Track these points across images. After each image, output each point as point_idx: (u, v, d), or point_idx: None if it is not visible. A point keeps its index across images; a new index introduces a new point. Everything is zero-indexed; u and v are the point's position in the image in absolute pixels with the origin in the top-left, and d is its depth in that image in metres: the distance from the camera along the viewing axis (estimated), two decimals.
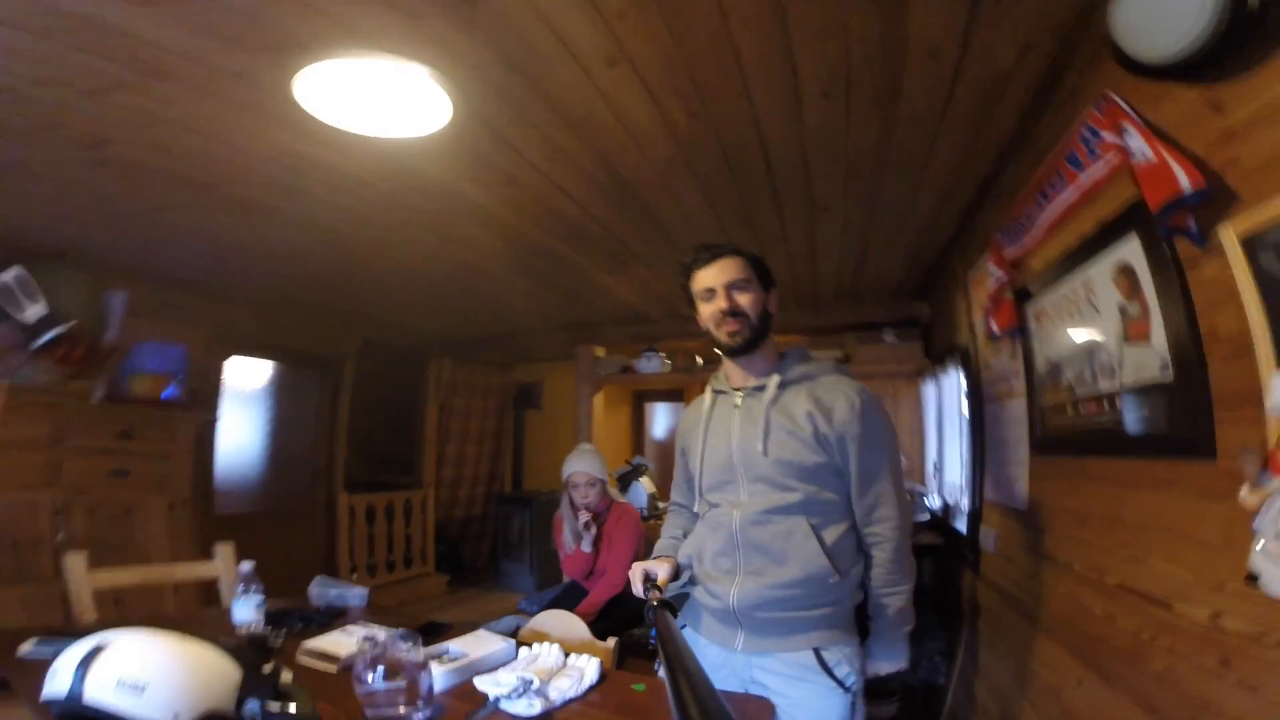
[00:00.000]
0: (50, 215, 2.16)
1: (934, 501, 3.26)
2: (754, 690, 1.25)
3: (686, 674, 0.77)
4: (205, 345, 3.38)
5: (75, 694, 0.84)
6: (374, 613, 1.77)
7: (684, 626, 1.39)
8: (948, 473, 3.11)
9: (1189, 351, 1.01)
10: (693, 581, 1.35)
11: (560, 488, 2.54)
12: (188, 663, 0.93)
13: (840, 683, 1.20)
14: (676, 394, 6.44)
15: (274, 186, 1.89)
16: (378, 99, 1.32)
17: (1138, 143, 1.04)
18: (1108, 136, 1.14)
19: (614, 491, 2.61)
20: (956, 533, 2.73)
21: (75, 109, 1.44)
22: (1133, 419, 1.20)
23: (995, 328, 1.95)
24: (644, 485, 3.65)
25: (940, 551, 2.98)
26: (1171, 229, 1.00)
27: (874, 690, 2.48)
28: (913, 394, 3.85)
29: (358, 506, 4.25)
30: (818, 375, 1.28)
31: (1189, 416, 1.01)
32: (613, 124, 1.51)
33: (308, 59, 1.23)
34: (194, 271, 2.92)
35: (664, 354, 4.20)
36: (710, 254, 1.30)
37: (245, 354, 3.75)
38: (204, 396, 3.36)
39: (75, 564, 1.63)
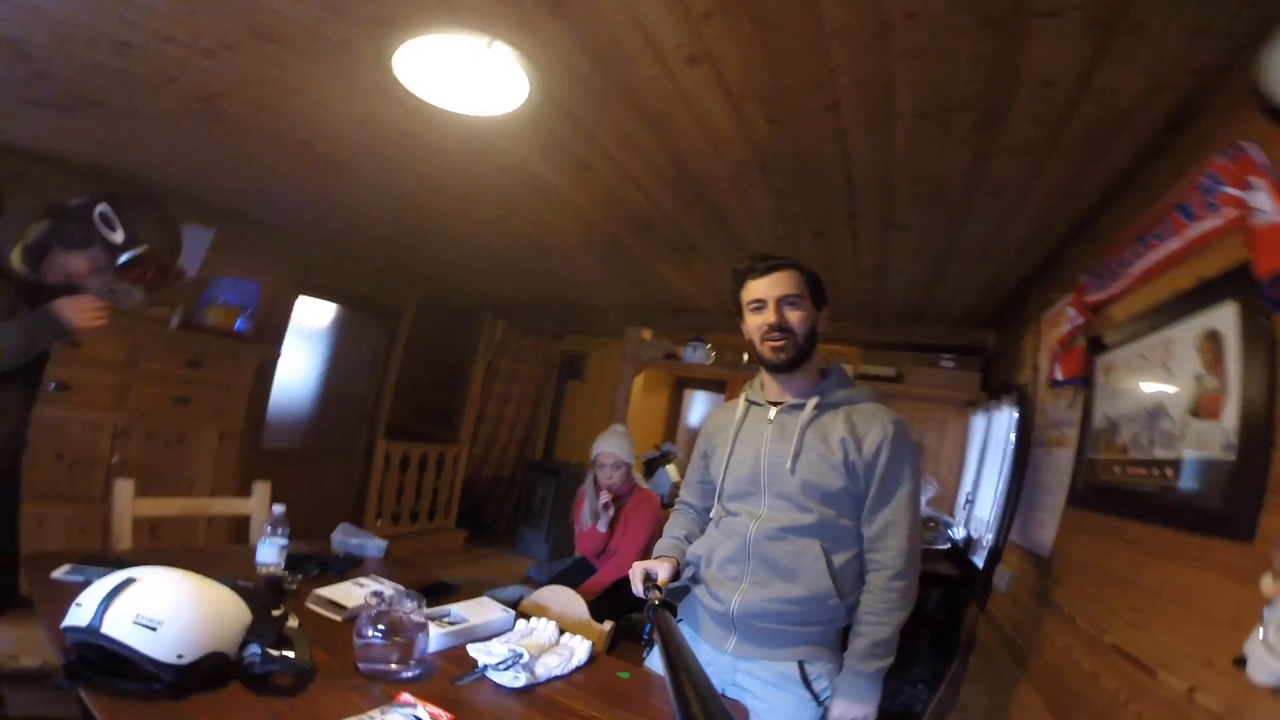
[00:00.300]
0: (155, 157, 2.33)
1: (958, 533, 3.19)
2: (733, 691, 1.29)
3: (689, 674, 0.78)
4: (278, 284, 3.56)
5: (95, 625, 0.88)
6: (389, 566, 1.85)
7: (680, 620, 1.41)
8: (978, 507, 3.03)
9: (1258, 434, 0.96)
10: (695, 580, 1.37)
11: (589, 464, 2.60)
12: (203, 605, 0.97)
13: (815, 696, 1.23)
14: (719, 384, 6.41)
15: (360, 149, 1.97)
16: (464, 76, 1.34)
17: (1264, 200, 0.96)
18: (1230, 189, 1.04)
19: (638, 476, 2.64)
20: (972, 566, 2.72)
21: (192, 65, 1.54)
22: (1181, 490, 1.15)
23: (1059, 373, 1.87)
24: (670, 473, 3.68)
25: (951, 582, 2.96)
26: (1276, 302, 0.93)
27: None
28: (960, 423, 3.73)
29: (394, 454, 4.40)
30: (857, 401, 1.28)
31: (1239, 496, 0.97)
32: (689, 122, 1.50)
33: (406, 34, 1.26)
34: (276, 216, 3.08)
35: (710, 346, 4.19)
36: (767, 265, 1.27)
37: (314, 295, 3.93)
38: (271, 332, 3.56)
39: (123, 491, 1.72)
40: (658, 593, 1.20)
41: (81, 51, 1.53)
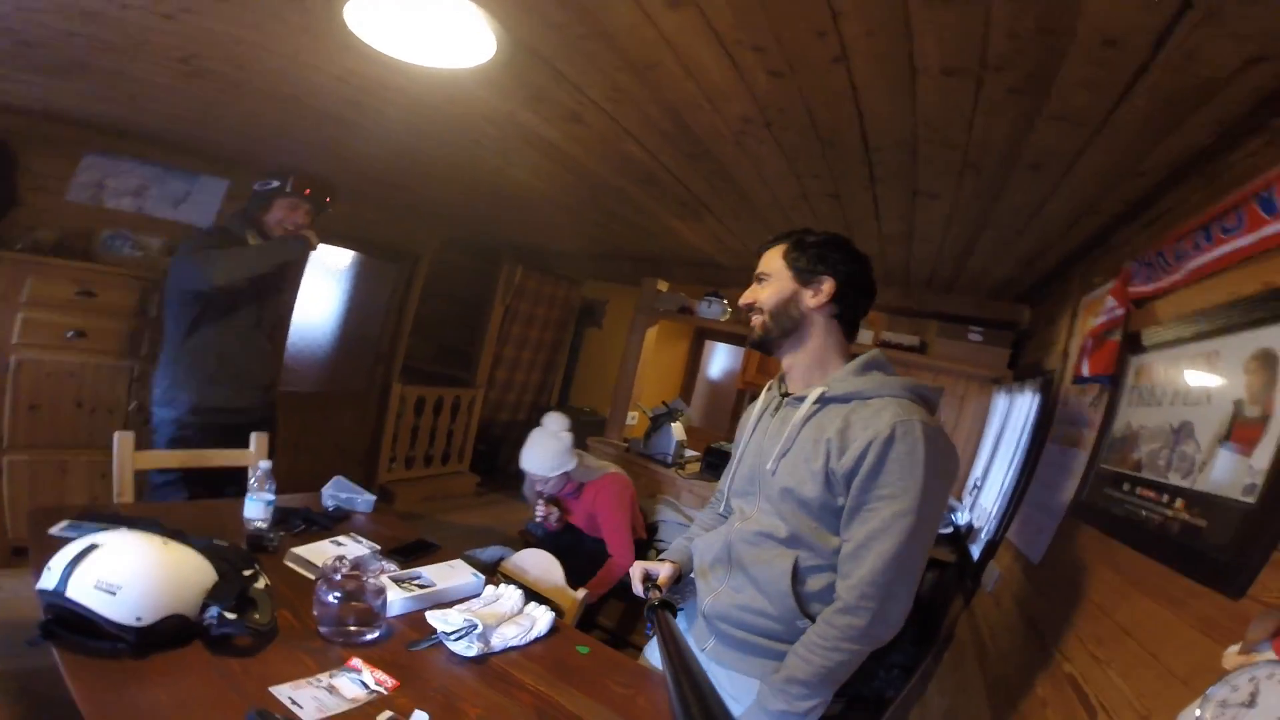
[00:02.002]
0: (159, 114, 2.33)
1: (962, 518, 3.09)
2: None
3: (689, 674, 0.76)
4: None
5: (59, 590, 0.93)
6: (377, 521, 1.86)
7: (681, 609, 1.37)
8: (984, 495, 2.91)
9: None
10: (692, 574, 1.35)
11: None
12: (162, 569, 1.01)
13: None
14: (739, 337, 6.27)
15: (348, 103, 1.88)
16: (424, 28, 1.22)
17: None
18: None
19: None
20: (969, 555, 2.63)
21: (156, 28, 1.50)
22: (1186, 524, 1.03)
23: (1086, 369, 1.71)
24: (675, 431, 3.61)
25: (948, 569, 2.89)
26: None
27: None
28: (983, 401, 3.55)
29: (409, 397, 4.43)
30: (871, 396, 1.08)
31: (1245, 546, 0.86)
32: (679, 73, 1.32)
33: None
34: (283, 166, 3.00)
35: (726, 300, 4.03)
36: (762, 246, 1.24)
37: (330, 243, 3.84)
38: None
39: (123, 445, 1.73)
40: (658, 592, 1.19)
41: (53, 20, 1.52)
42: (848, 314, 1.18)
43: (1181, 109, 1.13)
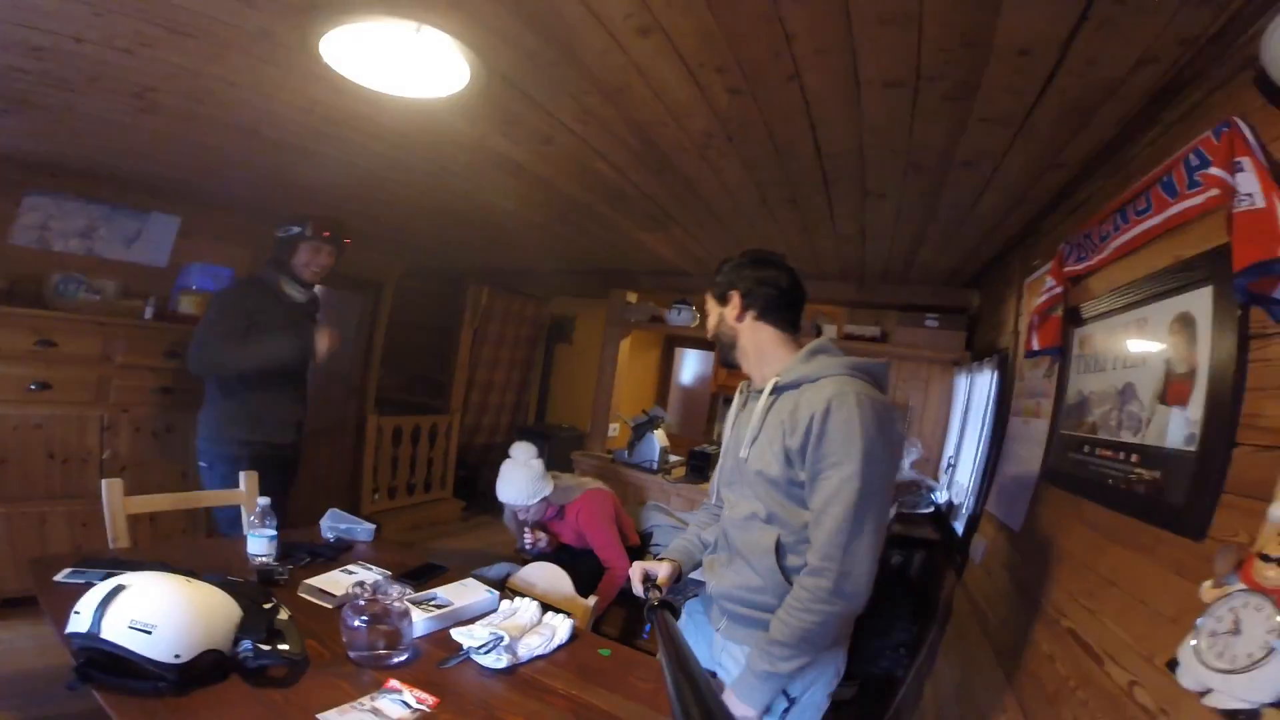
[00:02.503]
0: (106, 150, 2.27)
1: (941, 496, 3.23)
2: (719, 671, 1.30)
3: (688, 675, 0.78)
4: (253, 267, 3.46)
5: (94, 632, 0.94)
6: (379, 549, 1.89)
7: (695, 596, 1.46)
8: (959, 472, 3.06)
9: (1221, 431, 0.94)
10: (695, 568, 1.42)
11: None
12: (192, 606, 1.02)
13: (784, 690, 1.17)
14: (709, 344, 6.37)
15: (313, 133, 1.89)
16: (400, 60, 1.27)
17: (1249, 183, 0.90)
18: (1215, 170, 0.99)
19: (567, 483, 2.48)
20: (953, 532, 2.73)
21: (113, 64, 1.48)
22: (1142, 478, 1.14)
23: (1035, 343, 1.84)
24: (658, 438, 3.69)
25: (934, 547, 2.99)
26: (1251, 295, 0.89)
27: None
28: (946, 383, 3.73)
29: (385, 428, 4.40)
30: (817, 377, 1.17)
31: (1194, 493, 0.97)
32: (647, 94, 1.42)
33: (330, 21, 1.18)
34: (243, 200, 3.00)
35: (694, 307, 4.13)
36: None
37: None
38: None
39: (113, 491, 1.71)
40: (658, 593, 1.21)
41: None
42: (769, 311, 1.28)
43: (1087, 107, 1.29)
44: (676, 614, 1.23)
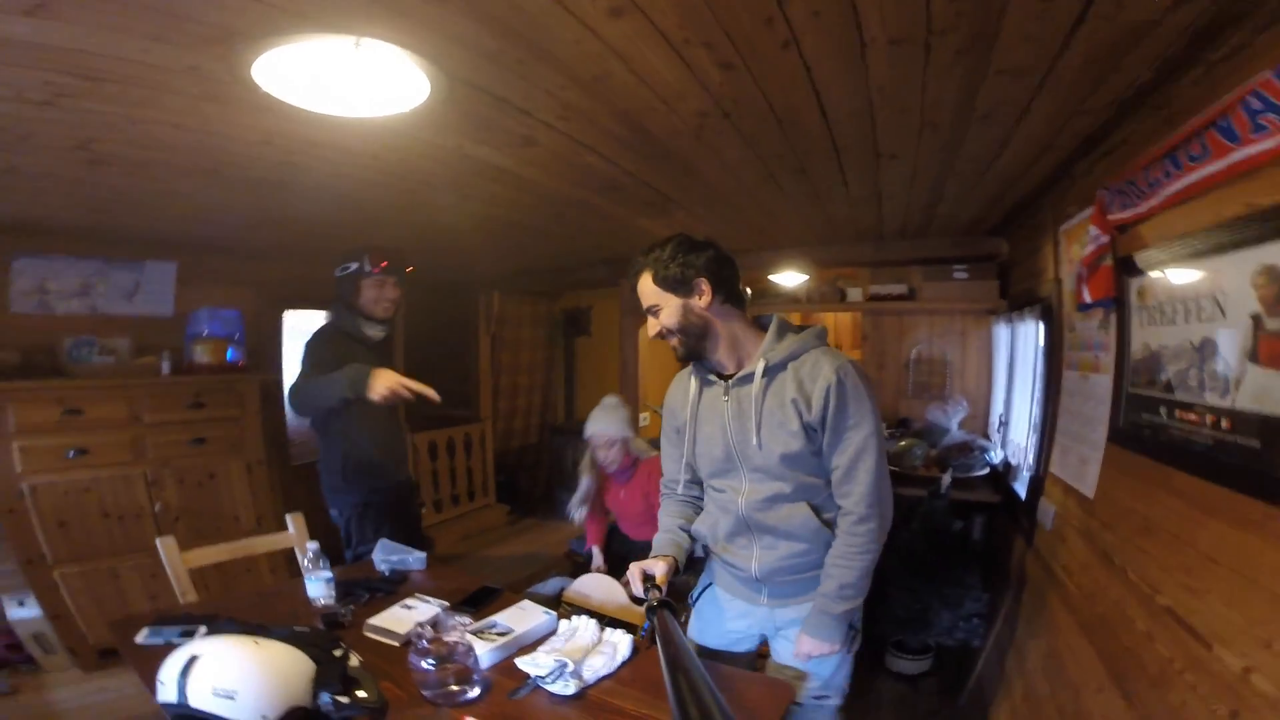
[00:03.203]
0: (74, 208, 2.20)
1: (996, 456, 3.07)
2: (775, 633, 1.39)
3: (687, 675, 0.77)
4: (260, 305, 3.45)
5: (182, 702, 0.99)
6: (433, 575, 1.87)
7: (710, 585, 1.49)
8: (1013, 430, 2.89)
9: None
10: (707, 552, 1.45)
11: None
12: (267, 667, 1.05)
13: (850, 625, 1.31)
14: None
15: (277, 165, 1.79)
16: (347, 79, 1.15)
17: None
18: None
19: (641, 445, 2.52)
20: (1015, 495, 2.60)
21: (35, 119, 1.39)
22: (1241, 446, 1.01)
23: (1087, 295, 1.70)
24: None
25: (995, 509, 2.85)
26: None
27: (908, 647, 2.50)
28: (983, 334, 3.54)
29: (420, 444, 4.40)
30: (801, 353, 1.26)
31: None
32: (630, 80, 1.28)
33: (256, 47, 1.07)
34: (234, 240, 2.94)
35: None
36: (631, 282, 1.33)
37: (299, 307, 3.80)
38: (265, 356, 3.47)
39: (169, 548, 1.74)
40: (657, 592, 1.21)
41: None
42: (733, 295, 1.30)
43: (1118, 53, 1.13)
44: (676, 613, 1.21)
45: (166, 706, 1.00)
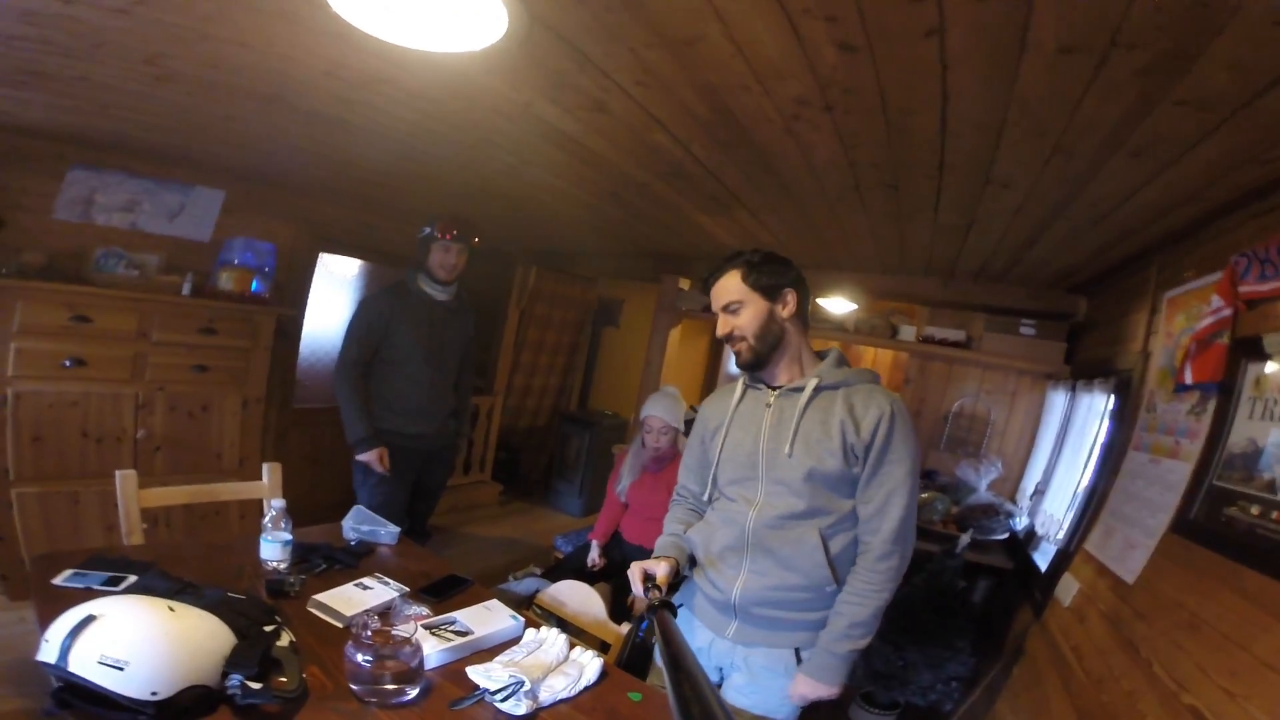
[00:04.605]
0: (134, 123, 2.16)
1: (1020, 523, 2.87)
2: (729, 671, 1.34)
3: (689, 675, 0.76)
4: (296, 242, 3.36)
5: (61, 664, 0.88)
6: (402, 554, 1.74)
7: (680, 605, 1.41)
8: (1049, 501, 2.69)
9: None
10: (692, 562, 1.38)
11: (627, 418, 2.51)
12: (172, 639, 0.94)
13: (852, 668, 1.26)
14: None
15: (338, 100, 1.68)
16: (422, 6, 1.02)
17: None
18: None
19: (684, 441, 2.46)
20: (1030, 564, 2.48)
21: (110, 26, 1.33)
22: None
23: (1189, 376, 1.53)
24: None
25: (1005, 576, 2.71)
26: None
27: (875, 701, 2.35)
28: (1035, 398, 3.32)
29: None
30: (854, 383, 1.27)
31: None
32: (726, 49, 1.12)
33: None
34: (284, 174, 2.86)
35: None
36: (711, 276, 1.33)
37: (335, 251, 3.72)
38: (291, 292, 3.39)
39: (126, 484, 1.62)
40: (657, 592, 1.19)
41: None
42: (803, 310, 1.34)
43: None
44: (675, 613, 1.17)
45: (45, 667, 0.90)
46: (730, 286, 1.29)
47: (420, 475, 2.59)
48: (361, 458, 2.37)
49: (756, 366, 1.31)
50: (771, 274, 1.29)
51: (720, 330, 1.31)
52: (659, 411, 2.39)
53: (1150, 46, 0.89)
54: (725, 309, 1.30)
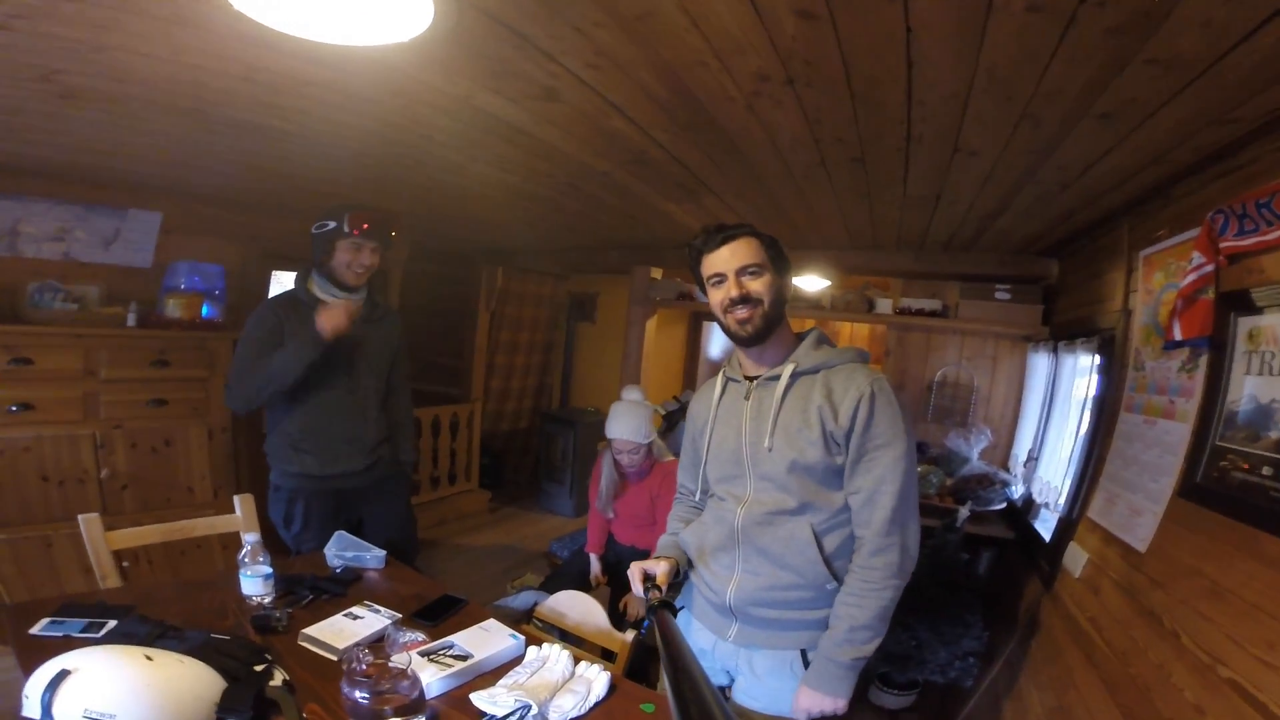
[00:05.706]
0: (53, 146, 2.02)
1: (1016, 491, 2.87)
2: (735, 673, 1.29)
3: (689, 676, 0.75)
4: (246, 261, 3.20)
5: None
6: (391, 578, 1.66)
7: (681, 607, 1.39)
8: (1044, 468, 2.68)
9: None
10: (690, 565, 1.35)
11: (607, 410, 2.41)
12: (154, 689, 0.91)
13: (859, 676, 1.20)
14: None
15: (261, 106, 1.56)
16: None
17: None
18: None
19: (661, 446, 2.40)
20: (1032, 533, 2.46)
21: None
22: None
23: (1178, 332, 1.50)
24: None
25: (1007, 546, 2.70)
26: None
27: (893, 681, 2.34)
28: (1016, 361, 3.32)
29: None
30: (835, 364, 1.20)
31: None
32: (681, 22, 1.03)
33: None
34: (219, 190, 2.71)
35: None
36: (722, 236, 1.21)
37: (288, 268, 3.52)
38: (246, 314, 3.20)
39: (91, 528, 1.54)
40: (657, 592, 1.17)
41: None
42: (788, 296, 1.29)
43: None
44: (675, 613, 1.15)
45: None
46: (749, 250, 1.20)
47: (362, 519, 2.11)
48: (327, 313, 1.85)
49: (758, 340, 1.21)
50: (780, 252, 1.25)
51: (732, 293, 1.18)
52: (625, 433, 2.22)
53: (1121, 4, 0.84)
54: (743, 271, 1.19)
